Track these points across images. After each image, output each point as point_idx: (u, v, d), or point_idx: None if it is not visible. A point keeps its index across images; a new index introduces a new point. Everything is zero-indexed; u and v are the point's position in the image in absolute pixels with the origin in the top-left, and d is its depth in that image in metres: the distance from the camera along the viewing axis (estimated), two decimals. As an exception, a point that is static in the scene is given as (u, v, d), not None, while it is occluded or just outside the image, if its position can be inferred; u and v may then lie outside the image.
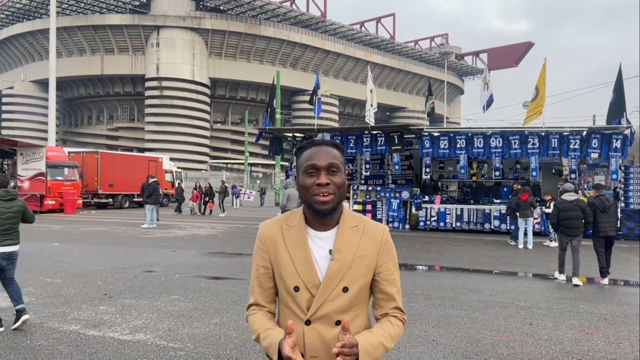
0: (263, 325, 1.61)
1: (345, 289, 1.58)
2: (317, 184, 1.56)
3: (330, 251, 1.59)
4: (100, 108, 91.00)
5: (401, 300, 1.69)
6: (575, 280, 8.26)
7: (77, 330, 5.15)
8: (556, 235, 10.32)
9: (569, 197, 8.89)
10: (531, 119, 16.38)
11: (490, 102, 17.71)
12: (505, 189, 17.78)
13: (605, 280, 8.51)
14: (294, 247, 1.61)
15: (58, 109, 72.65)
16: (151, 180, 17.75)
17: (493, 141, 16.00)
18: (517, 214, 12.98)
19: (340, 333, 1.48)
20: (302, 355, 1.56)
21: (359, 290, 1.60)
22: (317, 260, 1.59)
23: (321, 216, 1.59)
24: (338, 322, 1.58)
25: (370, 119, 17.30)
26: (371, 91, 17.42)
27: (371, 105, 17.33)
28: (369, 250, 1.62)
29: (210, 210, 24.51)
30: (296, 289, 1.59)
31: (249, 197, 33.89)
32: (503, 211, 15.84)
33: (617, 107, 15.68)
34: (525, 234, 12.82)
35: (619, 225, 15.11)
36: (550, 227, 12.77)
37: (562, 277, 8.71)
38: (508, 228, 15.61)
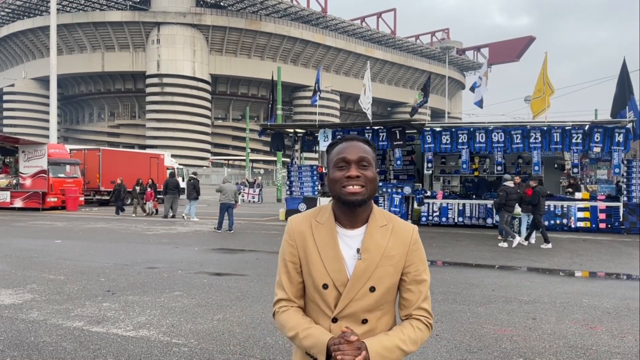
0: (300, 323, 1.59)
1: (372, 289, 1.57)
2: (346, 177, 1.55)
3: (358, 250, 1.58)
4: (101, 105, 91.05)
5: (429, 302, 1.66)
6: (516, 242, 11.83)
7: (80, 326, 5.16)
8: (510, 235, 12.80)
9: (510, 184, 12.21)
10: (540, 113, 16.20)
11: (480, 99, 17.86)
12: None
13: (549, 245, 11.63)
14: (323, 244, 1.59)
15: (59, 106, 72.70)
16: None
17: (495, 136, 15.97)
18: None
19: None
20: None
21: (386, 290, 1.59)
22: (345, 258, 1.58)
23: (350, 208, 1.57)
24: (365, 321, 1.57)
25: (367, 111, 17.31)
26: (363, 85, 17.48)
27: (364, 95, 17.38)
28: (397, 250, 1.60)
29: (156, 210, 21.38)
30: (325, 286, 1.58)
31: (253, 198, 33.62)
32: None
33: (621, 101, 15.62)
34: (528, 229, 12.84)
35: (621, 219, 15.18)
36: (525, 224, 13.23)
37: (505, 244, 11.80)
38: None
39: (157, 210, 21.51)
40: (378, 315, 1.58)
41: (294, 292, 1.66)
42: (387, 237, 1.60)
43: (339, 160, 1.57)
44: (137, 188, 21.07)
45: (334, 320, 1.57)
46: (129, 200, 23.32)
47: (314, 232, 1.62)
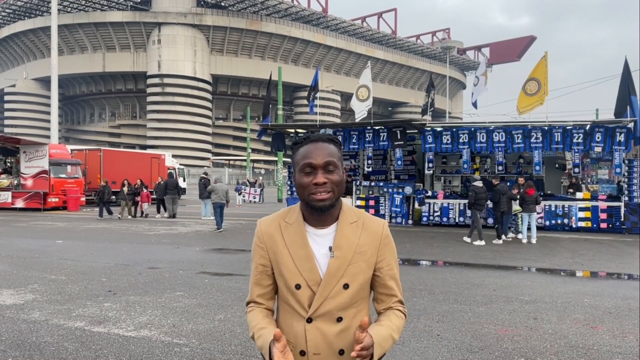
0: (258, 323, 1.60)
1: (346, 286, 1.57)
2: (314, 184, 1.53)
3: (330, 248, 1.58)
4: (102, 105, 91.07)
5: (401, 292, 1.69)
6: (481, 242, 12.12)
7: (82, 327, 5.17)
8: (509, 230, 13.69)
9: (478, 184, 12.69)
10: (530, 109, 16.25)
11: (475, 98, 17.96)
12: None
13: (500, 241, 12.42)
14: (293, 244, 1.59)
15: (60, 106, 72.77)
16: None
17: (496, 136, 15.96)
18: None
19: (357, 331, 1.47)
20: (304, 353, 1.57)
21: (360, 287, 1.60)
22: (317, 257, 1.58)
23: (319, 212, 1.57)
24: (339, 319, 1.57)
25: (359, 113, 17.24)
26: (364, 86, 17.34)
27: (358, 98, 17.23)
28: (368, 245, 1.61)
29: (142, 212, 20.31)
30: (297, 286, 1.57)
31: (254, 198, 33.63)
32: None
33: (624, 101, 15.59)
34: (529, 229, 12.87)
35: (622, 219, 15.16)
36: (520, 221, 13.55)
37: (482, 242, 12.08)
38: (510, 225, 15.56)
39: (142, 212, 20.41)
40: (353, 312, 1.58)
41: (262, 294, 1.67)
42: (359, 234, 1.60)
43: (304, 166, 1.54)
44: (125, 189, 20.15)
45: (309, 320, 1.56)
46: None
47: (284, 233, 1.61)
